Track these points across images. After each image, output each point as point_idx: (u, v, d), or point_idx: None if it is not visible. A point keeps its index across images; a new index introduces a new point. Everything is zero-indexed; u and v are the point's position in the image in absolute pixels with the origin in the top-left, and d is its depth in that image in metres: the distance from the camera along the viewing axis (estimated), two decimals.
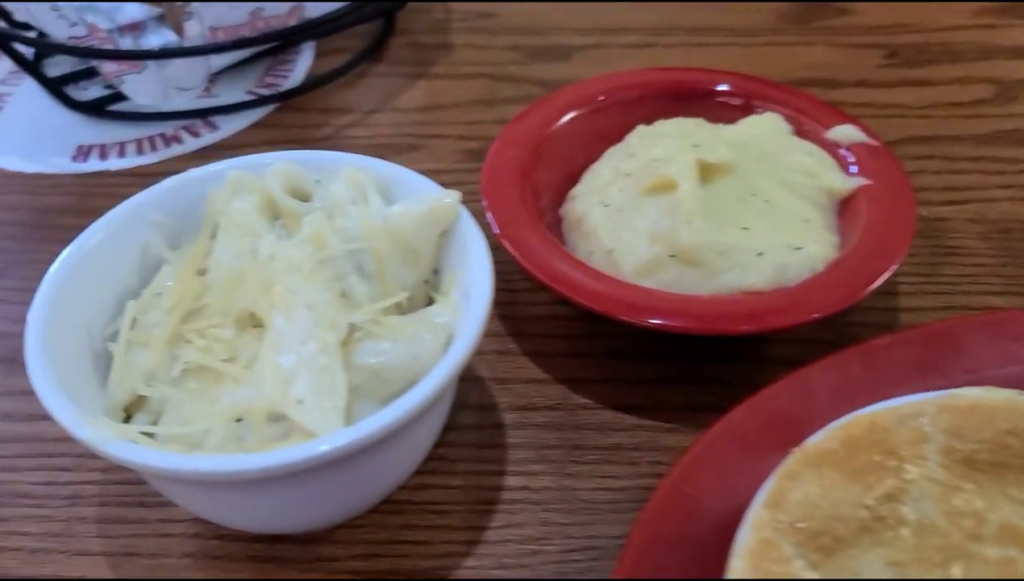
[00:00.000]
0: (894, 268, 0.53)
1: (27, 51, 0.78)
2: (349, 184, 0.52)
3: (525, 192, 0.60)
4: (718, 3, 0.91)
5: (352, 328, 0.46)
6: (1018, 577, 0.38)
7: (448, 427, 0.54)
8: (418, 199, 0.50)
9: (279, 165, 0.53)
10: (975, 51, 0.84)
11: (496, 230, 0.56)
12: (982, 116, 0.77)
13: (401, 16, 0.90)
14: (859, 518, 0.39)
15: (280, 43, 0.79)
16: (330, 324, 0.44)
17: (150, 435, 0.42)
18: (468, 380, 0.57)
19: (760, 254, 0.53)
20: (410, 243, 0.49)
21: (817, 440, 0.43)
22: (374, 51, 0.85)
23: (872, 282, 0.53)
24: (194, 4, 0.69)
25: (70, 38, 0.70)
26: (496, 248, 0.51)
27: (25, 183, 0.73)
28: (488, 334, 0.60)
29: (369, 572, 0.48)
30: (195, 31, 0.70)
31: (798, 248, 0.54)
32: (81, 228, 0.50)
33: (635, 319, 0.51)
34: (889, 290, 0.62)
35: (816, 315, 0.51)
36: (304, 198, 0.53)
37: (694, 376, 0.57)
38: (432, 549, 0.49)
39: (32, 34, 0.77)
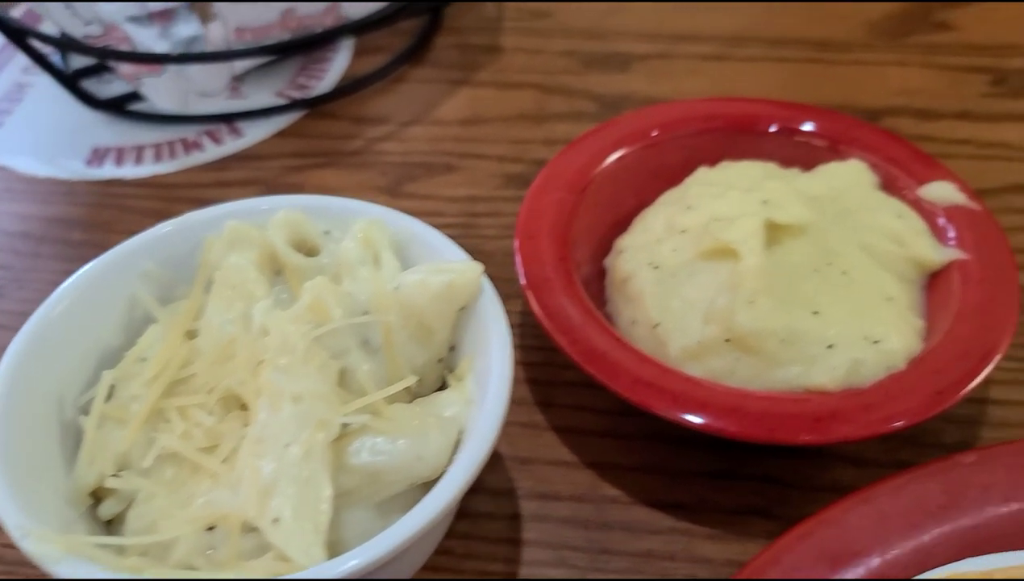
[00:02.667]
0: (990, 369, 0.45)
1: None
2: (361, 241, 0.45)
3: (565, 244, 0.53)
4: (804, 8, 0.81)
5: (349, 430, 0.40)
6: None
7: (460, 514, 0.48)
8: (437, 269, 0.43)
9: (284, 213, 0.47)
10: None
11: (525, 290, 0.50)
12: None
13: (449, 12, 0.82)
14: None
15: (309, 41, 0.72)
16: (319, 423, 0.38)
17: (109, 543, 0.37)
18: (488, 462, 0.51)
19: (831, 346, 0.46)
20: (423, 319, 0.43)
21: None
22: (417, 51, 0.78)
23: (963, 388, 0.45)
24: (218, 5, 0.63)
25: (85, 37, 0.64)
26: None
27: (36, 189, 0.68)
28: (513, 402, 0.53)
29: None
30: (218, 34, 0.64)
31: (876, 341, 0.46)
32: (90, 244, 0.46)
33: (672, 415, 0.44)
34: (987, 399, 0.54)
35: (895, 426, 0.43)
36: (311, 252, 0.47)
37: (745, 471, 0.50)
38: None
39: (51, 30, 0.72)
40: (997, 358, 0.46)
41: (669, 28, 0.80)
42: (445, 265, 0.44)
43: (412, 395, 0.44)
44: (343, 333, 0.42)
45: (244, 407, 0.41)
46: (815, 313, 0.47)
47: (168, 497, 0.39)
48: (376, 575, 0.37)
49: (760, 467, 0.50)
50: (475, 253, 0.62)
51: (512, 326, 0.57)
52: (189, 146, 0.70)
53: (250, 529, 0.37)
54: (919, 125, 0.70)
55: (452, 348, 0.45)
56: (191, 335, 0.44)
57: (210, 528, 0.38)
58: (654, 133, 0.59)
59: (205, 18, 0.65)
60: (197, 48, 0.66)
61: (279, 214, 0.47)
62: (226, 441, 0.40)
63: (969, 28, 0.79)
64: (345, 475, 0.39)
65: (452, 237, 0.63)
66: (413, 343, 0.44)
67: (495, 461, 0.51)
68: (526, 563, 0.47)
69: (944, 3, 0.82)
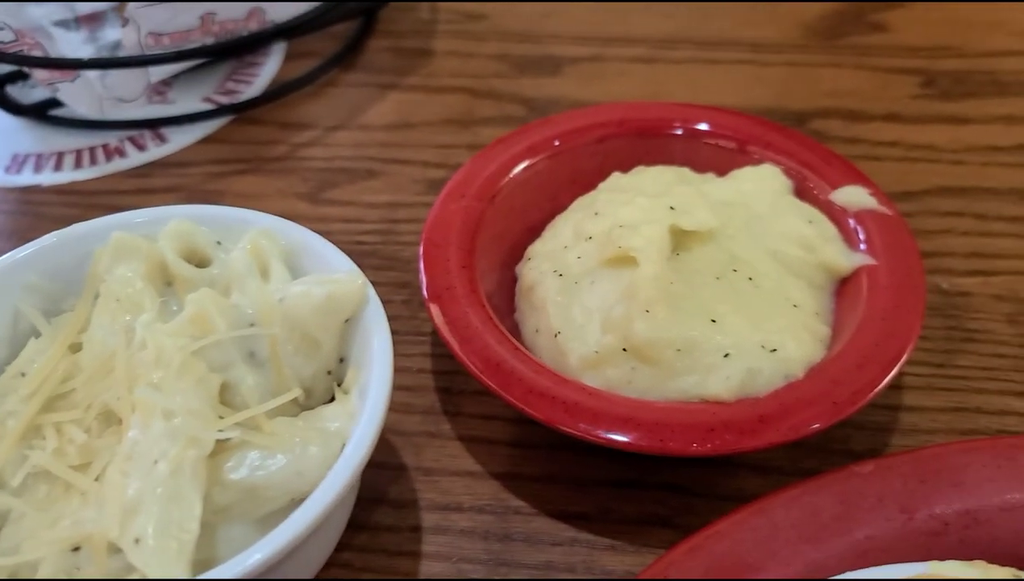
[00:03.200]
0: (886, 382, 0.45)
1: None
2: (250, 252, 0.45)
3: (471, 252, 0.52)
4: (738, 9, 0.81)
5: (226, 445, 0.40)
6: None
7: (360, 526, 0.48)
8: (320, 280, 0.43)
9: (175, 224, 0.46)
10: (1021, 83, 0.73)
11: (425, 298, 0.49)
12: None
13: (383, 16, 0.82)
14: None
15: (240, 44, 0.71)
16: (190, 439, 0.37)
17: None
18: (390, 469, 0.50)
19: (727, 355, 0.45)
20: (308, 331, 0.42)
21: None
22: (348, 55, 0.77)
23: (861, 399, 0.44)
24: (130, 9, 0.62)
25: None
26: None
27: None
28: (420, 411, 0.53)
29: None
30: (131, 39, 0.63)
31: (774, 350, 0.46)
32: (2, 253, 0.45)
33: (564, 426, 0.43)
34: (891, 383, 0.53)
35: (785, 439, 0.43)
36: (203, 263, 0.46)
37: (649, 480, 0.49)
38: None
39: None
40: (897, 368, 0.46)
41: (602, 31, 0.79)
42: (328, 276, 0.43)
43: (301, 408, 0.44)
44: (227, 346, 0.42)
45: (121, 423, 0.40)
46: (713, 321, 0.46)
47: (37, 516, 0.38)
48: None
49: (664, 476, 0.49)
50: (393, 259, 0.62)
51: (426, 334, 0.57)
52: (111, 152, 0.69)
53: (116, 550, 0.37)
54: (848, 127, 0.70)
55: (342, 360, 0.44)
56: (75, 349, 0.43)
57: (76, 549, 0.37)
58: (567, 139, 0.58)
59: (123, 23, 0.64)
60: (107, 31, 0.65)
61: (170, 225, 0.46)
62: (100, 458, 0.39)
63: (903, 29, 0.79)
64: (222, 491, 0.39)
65: (371, 243, 0.63)
66: (300, 355, 0.43)
67: (399, 473, 0.50)
68: (423, 576, 0.46)
69: (879, 3, 0.82)
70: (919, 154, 0.68)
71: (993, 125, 0.70)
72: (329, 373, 0.44)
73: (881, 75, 0.75)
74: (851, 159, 0.64)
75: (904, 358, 0.46)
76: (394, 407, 0.53)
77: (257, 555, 0.35)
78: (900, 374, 0.53)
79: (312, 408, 0.43)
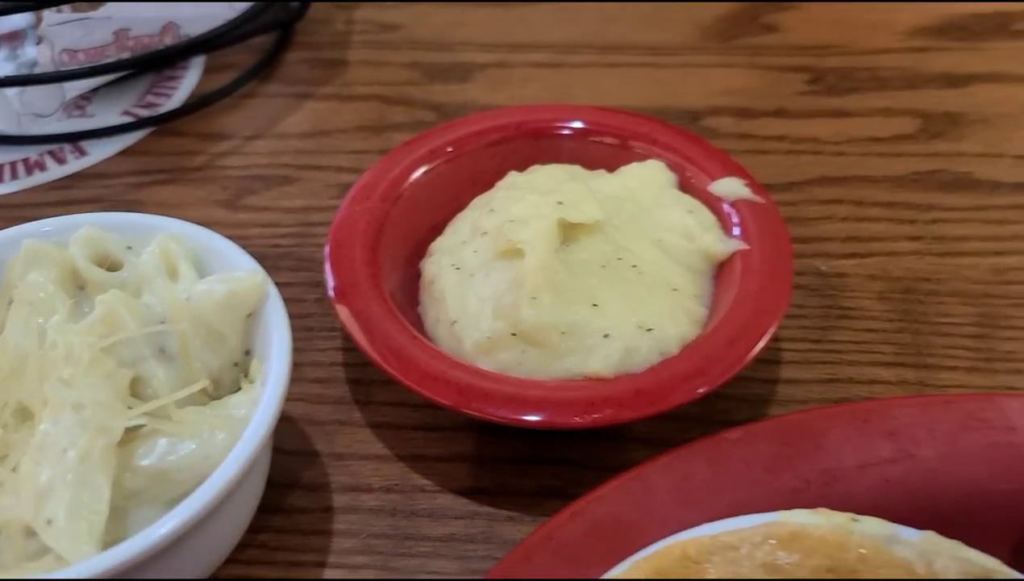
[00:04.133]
0: (752, 355, 0.49)
1: None
2: (159, 255, 0.47)
3: (375, 250, 0.56)
4: (637, 15, 0.85)
5: (135, 433, 0.42)
6: None
7: (275, 509, 0.51)
8: (223, 278, 0.46)
9: (85, 231, 0.48)
10: (902, 79, 0.79)
11: (331, 295, 0.52)
12: (902, 154, 0.72)
13: (300, 29, 0.85)
14: None
15: (160, 58, 0.74)
16: (98, 428, 0.40)
17: None
18: (304, 455, 0.54)
19: (607, 336, 0.49)
20: (214, 326, 0.45)
21: (619, 572, 0.39)
22: (266, 67, 0.80)
23: (726, 374, 0.48)
24: (44, 27, 0.65)
25: None
26: None
27: None
28: (332, 401, 0.56)
29: None
30: (45, 56, 0.66)
31: (650, 329, 0.50)
32: None
33: (456, 406, 0.47)
34: (770, 358, 0.58)
35: (659, 410, 0.47)
36: (113, 267, 0.49)
37: (545, 456, 0.53)
38: None
39: None
40: (764, 342, 0.50)
41: (508, 38, 0.83)
42: (231, 274, 0.46)
43: (211, 398, 0.46)
44: (137, 343, 0.45)
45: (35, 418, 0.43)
46: (595, 306, 0.50)
47: None
48: (156, 572, 0.39)
49: (558, 451, 0.53)
50: (307, 261, 0.65)
51: (337, 329, 0.60)
52: (31, 166, 0.71)
53: (32, 533, 0.39)
54: (738, 124, 0.75)
55: (248, 353, 0.47)
56: None
57: None
58: (467, 142, 0.62)
59: (37, 41, 0.66)
60: (27, 48, 0.67)
61: (80, 232, 0.48)
62: (16, 451, 0.42)
63: (793, 30, 0.84)
64: (132, 477, 0.42)
65: (286, 246, 0.66)
66: (207, 350, 0.46)
67: (313, 458, 0.54)
68: (335, 552, 0.49)
69: (771, 5, 0.87)
70: (804, 146, 0.73)
71: (873, 118, 0.75)
72: (236, 365, 0.47)
73: (771, 73, 0.80)
74: (740, 153, 0.69)
75: (770, 333, 0.50)
76: (308, 398, 0.56)
77: (162, 529, 0.37)
78: (779, 349, 0.59)
79: (221, 398, 0.46)
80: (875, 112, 0.76)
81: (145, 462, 0.42)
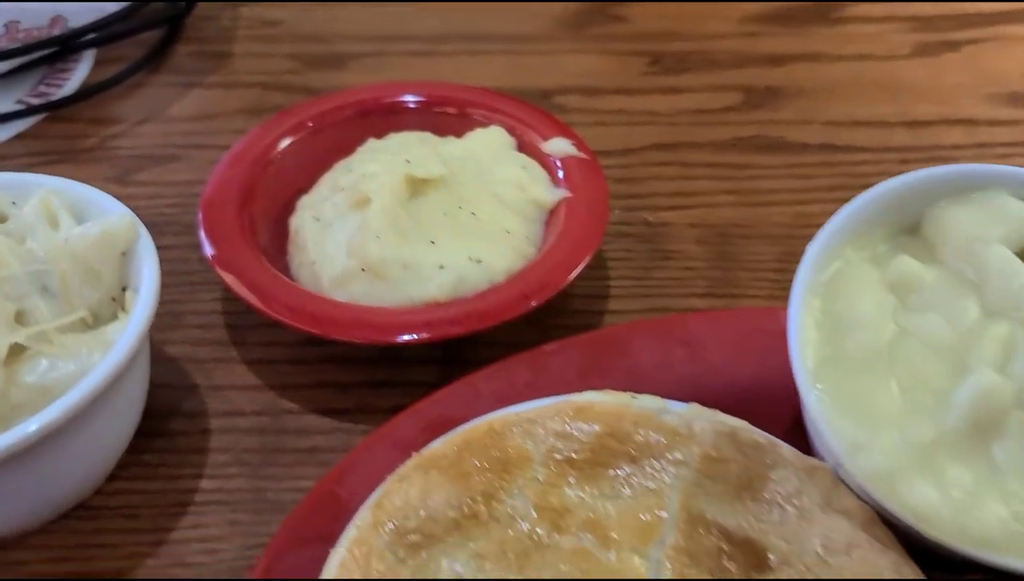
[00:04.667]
0: (568, 281, 0.58)
1: None
2: (41, 206, 0.54)
3: (245, 206, 0.63)
4: (501, 8, 0.94)
5: (20, 347, 0.49)
6: (587, 563, 0.42)
7: (156, 433, 0.57)
8: (97, 222, 0.52)
9: None
10: (731, 59, 0.89)
11: (206, 250, 0.59)
12: (726, 123, 0.82)
13: (189, 23, 0.91)
14: (451, 517, 0.43)
15: (56, 50, 0.79)
16: None
17: None
18: (184, 389, 0.60)
19: (441, 267, 0.57)
20: (90, 264, 0.52)
21: (435, 446, 0.47)
22: (155, 59, 0.87)
23: (544, 297, 0.57)
24: None
25: None
26: None
27: None
28: (211, 343, 0.63)
29: (53, 574, 0.51)
30: None
31: (479, 261, 0.58)
32: None
33: (310, 330, 0.55)
34: (600, 293, 0.67)
35: (484, 326, 0.55)
36: (0, 220, 0.55)
37: (401, 379, 0.60)
38: (118, 551, 0.52)
39: None
40: (577, 270, 0.59)
41: (382, 31, 0.91)
42: (105, 218, 0.53)
43: (90, 329, 0.53)
44: (20, 280, 0.51)
45: None
46: (432, 243, 0.58)
47: None
48: (34, 471, 0.46)
49: (414, 375, 0.60)
50: (191, 226, 0.71)
51: (217, 283, 0.67)
52: None
53: None
54: (585, 100, 0.84)
55: (125, 289, 0.54)
56: None
57: None
58: (333, 114, 0.70)
59: None
60: None
61: None
62: None
63: (638, 19, 0.94)
64: (17, 391, 0.48)
65: (172, 214, 0.72)
66: (85, 286, 0.52)
67: (192, 391, 0.60)
68: (210, 465, 0.56)
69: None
70: (641, 119, 0.82)
71: (703, 93, 0.85)
72: (114, 300, 0.54)
73: (616, 58, 0.89)
74: (584, 125, 0.77)
75: (585, 261, 0.59)
76: (189, 341, 0.63)
77: (33, 425, 0.44)
78: (606, 286, 0.67)
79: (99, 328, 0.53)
80: (705, 88, 0.86)
81: (29, 379, 0.48)
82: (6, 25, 0.74)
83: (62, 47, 0.79)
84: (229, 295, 0.65)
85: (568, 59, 0.89)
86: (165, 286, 0.53)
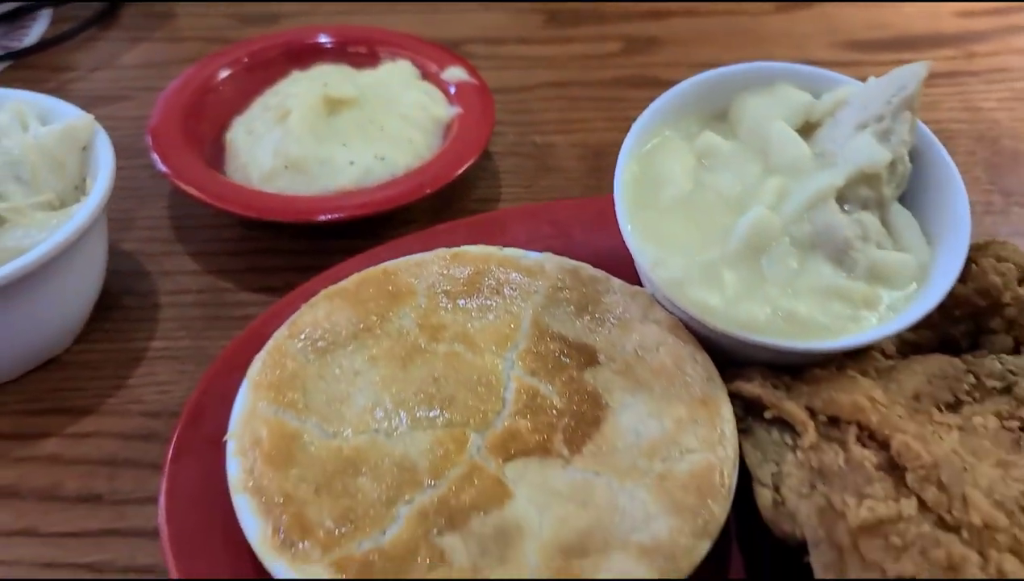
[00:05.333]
0: (453, 177, 0.70)
1: None
2: (14, 112, 0.65)
3: (190, 128, 0.74)
4: None
5: (1, 219, 0.60)
6: (458, 362, 0.54)
7: (114, 306, 0.69)
8: (61, 121, 0.64)
9: None
10: (618, 14, 1.02)
11: (157, 162, 0.71)
12: (609, 66, 0.95)
13: None
14: (352, 330, 0.55)
15: (8, 11, 0.90)
16: None
17: None
18: (136, 274, 0.71)
19: (352, 163, 0.69)
20: (55, 155, 0.63)
21: (340, 283, 0.59)
22: (106, 18, 0.97)
23: (435, 186, 0.69)
24: None
25: None
26: None
27: None
28: (160, 240, 0.74)
29: (30, 411, 0.62)
30: None
31: (383, 158, 0.70)
32: None
33: (242, 213, 0.66)
34: (492, 197, 0.79)
35: (381, 209, 0.67)
36: None
37: (320, 265, 0.71)
38: (85, 394, 0.63)
39: None
40: (465, 168, 0.71)
41: None
42: (68, 118, 0.64)
43: (56, 209, 0.64)
44: None
45: None
46: (343, 145, 0.70)
47: None
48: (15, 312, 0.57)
49: (332, 261, 0.72)
50: (142, 150, 0.82)
51: (164, 194, 0.78)
52: None
53: None
54: (490, 48, 0.97)
55: (85, 179, 0.65)
56: None
57: None
58: (266, 52, 0.82)
59: None
60: None
61: None
62: None
63: None
64: (3, 254, 0.59)
65: (127, 142, 0.83)
66: (52, 175, 0.63)
67: (144, 276, 0.71)
68: (160, 330, 0.67)
69: None
70: (537, 64, 0.95)
71: (592, 43, 0.98)
72: (76, 188, 0.65)
73: (519, 14, 1.02)
74: (488, 68, 0.89)
75: (472, 161, 0.71)
76: (139, 240, 0.74)
77: (10, 268, 0.55)
78: (497, 194, 0.79)
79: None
80: (594, 39, 0.99)
81: (9, 243, 0.59)
82: None
83: (22, 5, 0.90)
84: (175, 202, 0.77)
85: (477, 16, 1.02)
86: (119, 198, 0.65)
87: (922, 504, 0.46)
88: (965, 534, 0.44)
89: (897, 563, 0.43)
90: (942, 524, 0.45)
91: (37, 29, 0.95)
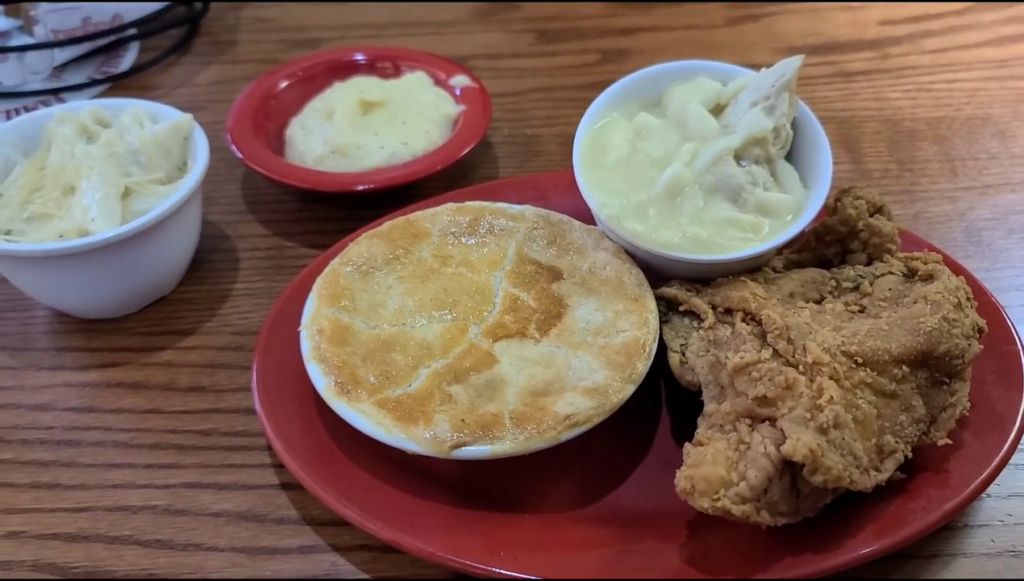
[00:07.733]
0: (469, 149, 0.92)
1: None
2: (133, 116, 0.88)
3: (260, 124, 0.97)
4: (431, 4, 1.30)
5: (129, 190, 0.82)
6: (461, 278, 0.76)
7: (204, 261, 0.91)
8: (168, 120, 0.87)
9: (89, 106, 0.88)
10: (595, 32, 1.24)
11: (235, 151, 0.94)
12: (586, 74, 1.17)
13: (205, 21, 1.26)
14: (385, 258, 0.77)
15: (109, 41, 1.14)
16: (112, 183, 0.80)
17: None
18: (220, 237, 0.94)
19: (382, 148, 0.92)
20: (164, 144, 0.86)
21: (377, 228, 0.81)
22: (182, 48, 1.21)
23: (446, 162, 0.91)
24: (40, 14, 1.05)
25: None
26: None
27: None
28: (235, 213, 0.97)
29: (150, 332, 0.84)
30: (41, 32, 1.05)
31: (406, 143, 0.93)
32: None
33: (305, 185, 0.89)
34: (492, 176, 1.01)
35: (404, 181, 0.89)
36: (106, 126, 0.89)
37: (358, 225, 0.94)
38: (187, 322, 0.86)
39: None
40: (469, 149, 0.93)
41: (346, 22, 1.26)
42: (173, 118, 0.87)
43: (166, 184, 0.86)
44: (125, 157, 0.84)
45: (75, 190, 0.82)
46: (376, 134, 0.93)
47: (38, 231, 0.80)
48: (144, 249, 0.79)
49: (367, 218, 0.94)
50: (217, 148, 1.05)
51: (238, 179, 1.01)
52: (30, 110, 1.10)
53: (84, 234, 0.79)
54: (489, 63, 1.19)
55: (186, 162, 0.88)
56: (42, 168, 0.85)
57: (61, 236, 0.79)
58: (315, 68, 1.05)
59: (30, 30, 1.06)
60: (13, 42, 1.07)
61: (86, 106, 0.88)
62: (67, 205, 0.81)
63: (532, 8, 1.29)
64: (130, 214, 0.81)
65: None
66: (163, 159, 0.86)
67: (225, 238, 0.94)
68: (240, 278, 0.89)
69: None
70: (527, 73, 1.17)
71: (572, 55, 1.20)
72: (180, 169, 0.87)
73: (513, 35, 1.25)
74: (487, 78, 1.11)
75: (473, 144, 0.93)
76: (221, 212, 0.97)
77: (138, 222, 0.77)
78: (493, 173, 1.01)
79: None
80: (574, 52, 1.21)
81: (137, 207, 0.82)
82: (83, 20, 1.08)
83: (117, 38, 1.14)
84: (245, 184, 1.00)
85: (479, 36, 1.24)
86: (203, 182, 0.87)
87: (776, 353, 0.66)
88: (801, 368, 0.65)
89: (754, 389, 0.64)
90: (788, 364, 0.65)
91: (129, 57, 1.19)
